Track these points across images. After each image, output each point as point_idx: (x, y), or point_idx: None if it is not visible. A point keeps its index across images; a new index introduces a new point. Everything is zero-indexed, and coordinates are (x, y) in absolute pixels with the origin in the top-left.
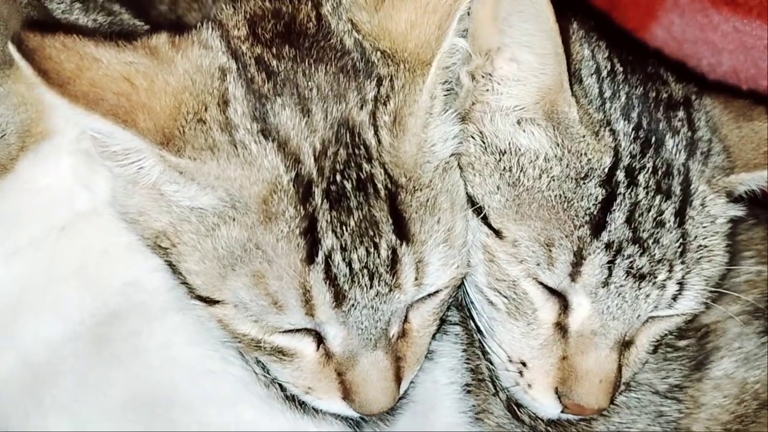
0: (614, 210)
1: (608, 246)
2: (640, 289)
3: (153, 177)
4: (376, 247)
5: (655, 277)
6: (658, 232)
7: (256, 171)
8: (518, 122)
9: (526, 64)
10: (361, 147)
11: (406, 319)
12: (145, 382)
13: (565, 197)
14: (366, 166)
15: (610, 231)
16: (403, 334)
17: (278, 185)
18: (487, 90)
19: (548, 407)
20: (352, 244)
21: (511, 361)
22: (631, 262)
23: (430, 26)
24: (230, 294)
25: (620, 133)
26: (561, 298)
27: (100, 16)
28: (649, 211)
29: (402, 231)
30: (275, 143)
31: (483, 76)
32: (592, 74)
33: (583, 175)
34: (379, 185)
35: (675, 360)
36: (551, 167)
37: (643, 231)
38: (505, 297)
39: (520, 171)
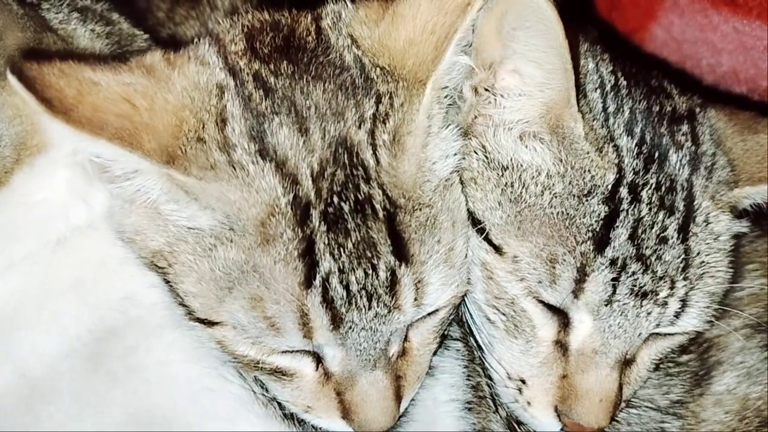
0: (617, 227)
1: (613, 263)
2: (641, 306)
3: (153, 196)
4: (375, 268)
5: (657, 295)
6: (660, 249)
7: (255, 193)
8: (521, 137)
9: (531, 79)
10: (359, 167)
11: (406, 338)
12: (142, 400)
13: (568, 214)
14: (364, 187)
15: (614, 248)
16: (403, 352)
17: (276, 208)
18: (490, 103)
19: (547, 425)
20: (350, 266)
21: (510, 378)
22: (635, 279)
23: (428, 46)
24: (228, 316)
25: (624, 149)
26: (561, 316)
27: (98, 26)
28: (652, 227)
29: (401, 252)
30: (273, 164)
31: (486, 90)
32: (596, 88)
33: (586, 192)
34: (378, 206)
35: (676, 375)
36: (554, 184)
37: (646, 248)
38: (504, 315)
39: (522, 187)
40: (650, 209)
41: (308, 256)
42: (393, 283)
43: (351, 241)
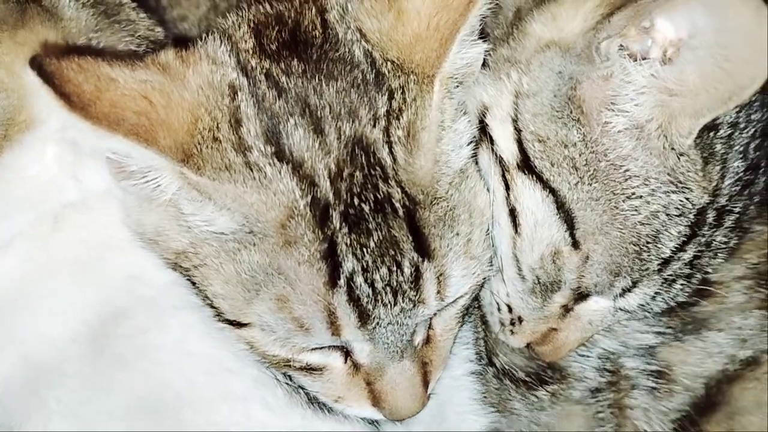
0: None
1: (665, 281)
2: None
3: (169, 194)
4: (399, 265)
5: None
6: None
7: (272, 195)
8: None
9: (688, 80)
10: (377, 167)
11: (429, 326)
12: (152, 382)
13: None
14: (383, 187)
15: (672, 268)
16: (427, 340)
17: (295, 210)
18: (612, 69)
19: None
20: (373, 264)
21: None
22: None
23: (434, 42)
24: (256, 318)
25: (730, 173)
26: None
27: None
28: (711, 247)
29: (422, 247)
30: (290, 166)
31: (627, 55)
32: None
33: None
34: (397, 204)
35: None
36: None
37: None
38: (539, 283)
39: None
40: (724, 234)
41: (331, 258)
42: (417, 279)
43: (373, 240)
